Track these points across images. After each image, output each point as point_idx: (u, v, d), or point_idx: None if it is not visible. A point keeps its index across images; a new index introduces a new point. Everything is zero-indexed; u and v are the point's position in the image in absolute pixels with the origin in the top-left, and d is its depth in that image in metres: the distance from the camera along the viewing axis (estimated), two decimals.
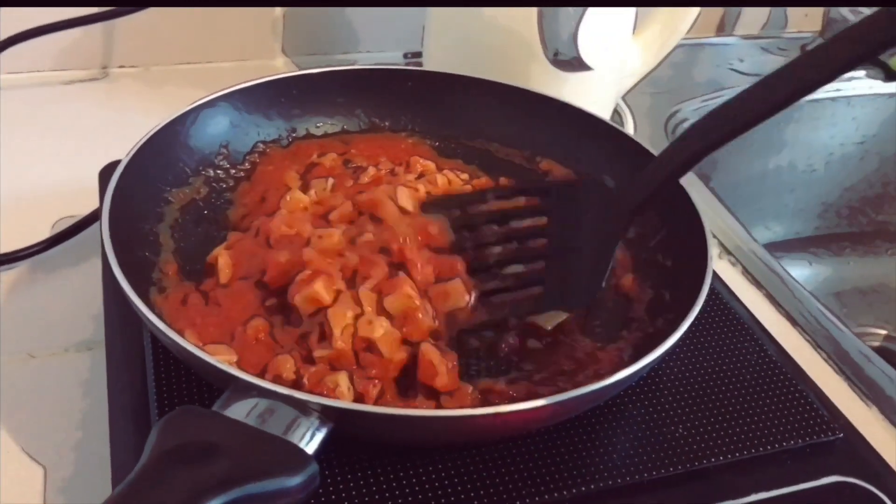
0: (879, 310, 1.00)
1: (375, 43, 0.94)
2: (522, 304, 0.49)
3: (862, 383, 0.60)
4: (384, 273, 0.46)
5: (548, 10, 0.68)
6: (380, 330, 0.43)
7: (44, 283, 0.62)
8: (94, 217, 0.65)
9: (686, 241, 0.51)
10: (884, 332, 0.98)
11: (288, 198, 0.53)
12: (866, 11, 0.96)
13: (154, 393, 0.44)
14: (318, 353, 0.43)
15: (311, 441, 0.37)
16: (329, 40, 0.93)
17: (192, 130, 0.55)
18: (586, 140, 0.60)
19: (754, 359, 0.52)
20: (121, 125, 0.79)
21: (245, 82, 0.59)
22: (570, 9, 0.68)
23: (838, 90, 0.99)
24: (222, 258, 0.49)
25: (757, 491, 0.44)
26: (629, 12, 0.74)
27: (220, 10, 0.87)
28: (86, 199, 0.66)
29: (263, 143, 0.60)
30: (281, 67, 0.92)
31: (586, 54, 0.71)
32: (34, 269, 0.63)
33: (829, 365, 0.62)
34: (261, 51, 0.91)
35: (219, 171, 0.57)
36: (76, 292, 0.61)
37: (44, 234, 0.65)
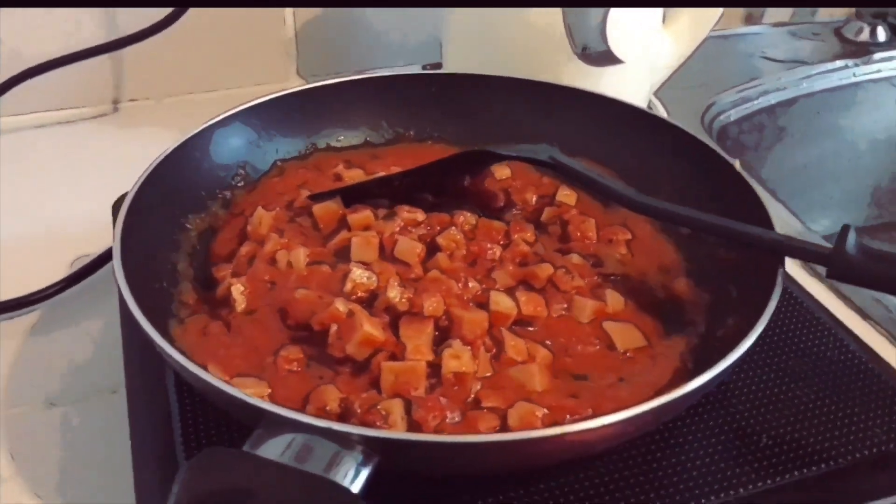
0: None
1: (391, 58, 0.90)
2: None
3: None
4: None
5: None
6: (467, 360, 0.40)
7: (62, 325, 0.58)
8: (109, 254, 0.62)
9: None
10: None
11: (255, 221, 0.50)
12: None
13: (180, 435, 0.41)
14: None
15: (356, 479, 0.33)
16: (344, 58, 0.90)
17: (204, 153, 0.52)
18: (624, 130, 0.56)
19: (835, 356, 0.47)
20: (135, 159, 0.75)
21: (258, 98, 0.55)
22: None
23: (879, 70, 0.94)
24: (235, 288, 0.45)
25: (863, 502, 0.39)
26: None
27: (232, 34, 0.84)
28: (103, 235, 0.63)
29: (282, 160, 0.56)
30: None
31: (616, 47, 0.67)
32: (52, 312, 0.59)
33: None
34: (275, 74, 0.88)
35: (237, 192, 0.53)
36: (96, 334, 0.57)
37: (62, 274, 0.61)
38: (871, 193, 1.02)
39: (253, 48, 0.86)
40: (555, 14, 0.64)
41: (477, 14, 0.69)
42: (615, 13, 0.65)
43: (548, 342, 0.43)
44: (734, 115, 0.87)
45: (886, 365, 0.48)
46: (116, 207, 0.58)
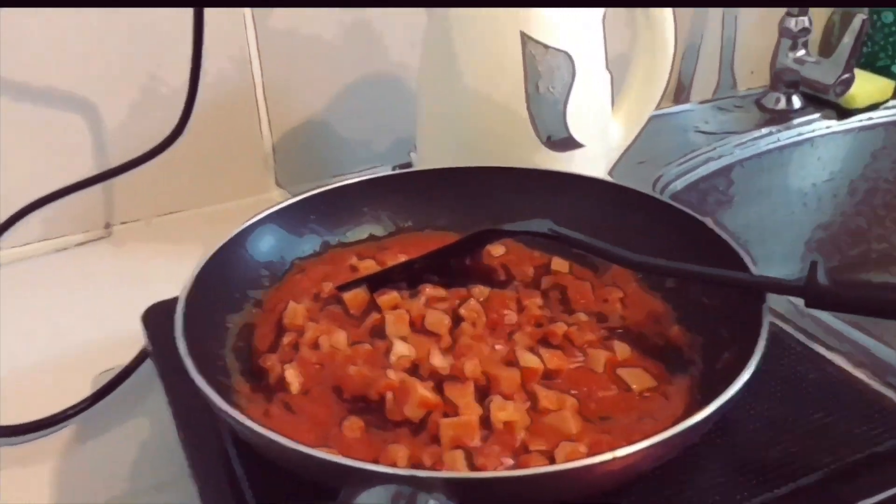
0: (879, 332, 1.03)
1: (362, 162, 0.97)
2: None
3: None
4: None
5: (534, 96, 0.73)
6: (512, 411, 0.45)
7: (97, 436, 0.61)
8: (134, 365, 0.65)
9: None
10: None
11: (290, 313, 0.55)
12: (809, 60, 1.03)
13: None
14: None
15: None
16: (319, 166, 0.96)
17: (237, 257, 0.57)
18: (603, 203, 0.63)
19: (816, 377, 0.54)
20: (134, 278, 0.81)
21: (278, 204, 0.61)
22: (556, 91, 0.73)
23: (800, 134, 1.04)
24: (289, 372, 0.50)
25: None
26: (606, 88, 0.79)
27: (214, 152, 0.90)
28: (120, 351, 0.67)
29: (300, 259, 0.62)
30: (278, 199, 0.94)
31: (576, 133, 0.75)
32: (85, 426, 0.62)
33: (874, 381, 0.63)
34: (257, 186, 0.94)
35: (265, 291, 0.58)
36: (131, 439, 0.60)
37: (87, 391, 0.65)
38: (805, 244, 1.12)
39: (234, 164, 0.92)
40: (512, 108, 0.72)
41: (443, 114, 0.76)
42: (573, 103, 0.74)
43: (572, 391, 0.49)
44: (680, 184, 0.96)
45: (859, 381, 0.55)
46: (147, 317, 0.62)
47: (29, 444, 0.60)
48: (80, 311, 0.76)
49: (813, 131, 1.05)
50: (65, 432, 0.62)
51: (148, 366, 0.64)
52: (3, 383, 0.66)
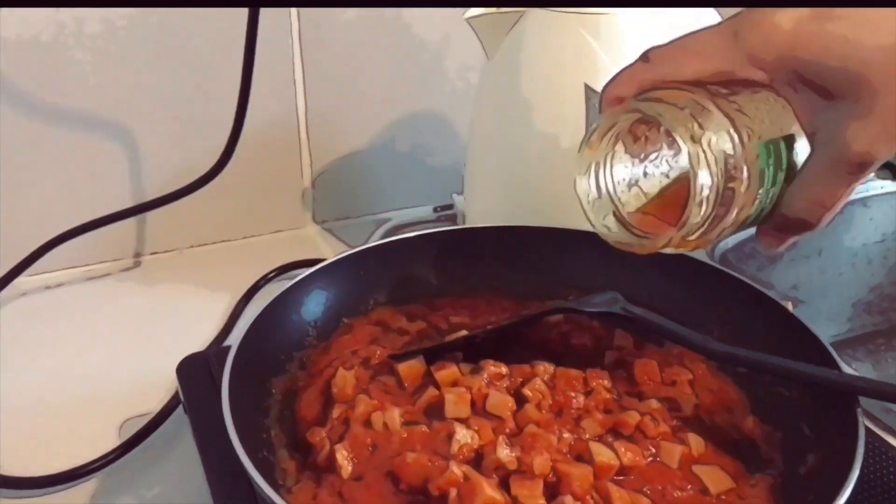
0: None
1: (403, 201, 0.94)
2: None
3: None
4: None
5: None
6: None
7: (122, 491, 0.58)
8: (161, 417, 0.62)
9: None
10: None
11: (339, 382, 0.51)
12: None
13: None
14: None
15: None
16: (357, 203, 0.93)
17: (282, 317, 0.54)
18: (679, 280, 0.59)
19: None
20: (163, 313, 0.78)
21: (327, 260, 0.58)
22: None
23: (855, 192, 1.01)
24: (340, 454, 0.46)
25: None
26: None
27: (252, 185, 0.87)
28: (148, 396, 0.64)
29: (348, 317, 0.58)
30: (313, 236, 0.91)
31: None
32: (110, 477, 0.59)
33: None
34: (293, 221, 0.91)
35: (311, 352, 0.55)
36: (157, 495, 0.57)
37: (111, 437, 0.61)
38: (852, 305, 1.09)
39: (271, 198, 0.89)
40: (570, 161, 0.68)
41: (500, 164, 0.73)
42: None
43: (646, 489, 0.45)
44: (731, 242, 0.92)
45: None
46: (181, 370, 0.59)
47: (52, 496, 0.57)
48: (105, 348, 0.73)
49: (867, 191, 1.02)
50: (88, 485, 0.58)
51: (178, 412, 0.61)
52: (25, 427, 0.63)
